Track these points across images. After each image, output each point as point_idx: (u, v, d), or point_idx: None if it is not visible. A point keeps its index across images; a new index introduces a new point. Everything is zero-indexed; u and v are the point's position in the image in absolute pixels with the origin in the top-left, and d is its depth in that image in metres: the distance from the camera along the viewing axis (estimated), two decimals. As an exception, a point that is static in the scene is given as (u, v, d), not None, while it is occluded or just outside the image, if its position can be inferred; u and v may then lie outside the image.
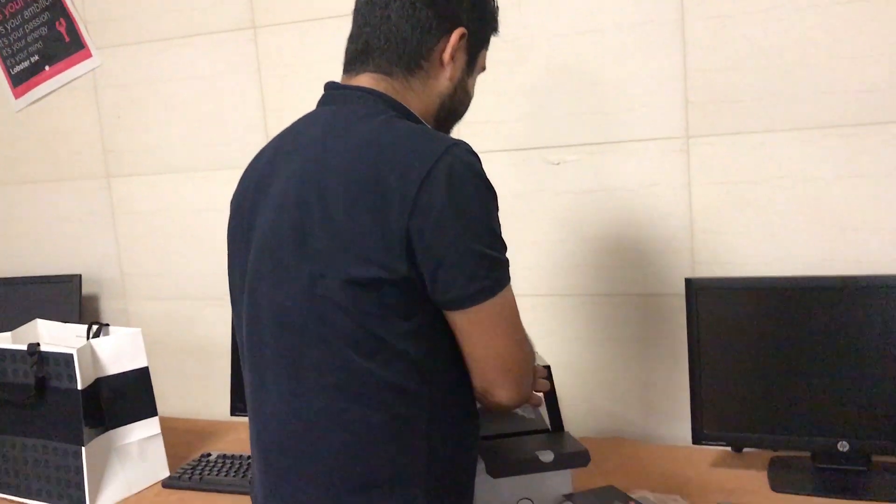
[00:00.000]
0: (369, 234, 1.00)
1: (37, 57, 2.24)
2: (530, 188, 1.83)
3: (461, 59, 1.19)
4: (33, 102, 2.28)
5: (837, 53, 1.58)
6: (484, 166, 1.06)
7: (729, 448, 1.64)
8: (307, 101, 1.99)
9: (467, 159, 1.03)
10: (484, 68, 1.28)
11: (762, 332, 1.55)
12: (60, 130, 2.26)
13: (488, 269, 1.04)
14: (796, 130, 1.63)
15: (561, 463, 1.40)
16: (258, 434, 1.15)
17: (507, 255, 1.09)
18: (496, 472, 1.36)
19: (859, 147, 1.59)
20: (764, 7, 1.61)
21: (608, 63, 1.73)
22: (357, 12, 1.19)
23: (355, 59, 1.18)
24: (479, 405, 1.19)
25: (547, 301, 1.86)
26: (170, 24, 2.09)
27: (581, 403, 1.87)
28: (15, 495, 1.74)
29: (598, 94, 1.75)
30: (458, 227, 1.01)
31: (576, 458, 1.41)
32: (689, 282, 1.59)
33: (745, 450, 1.65)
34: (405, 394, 1.05)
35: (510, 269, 1.08)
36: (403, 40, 1.14)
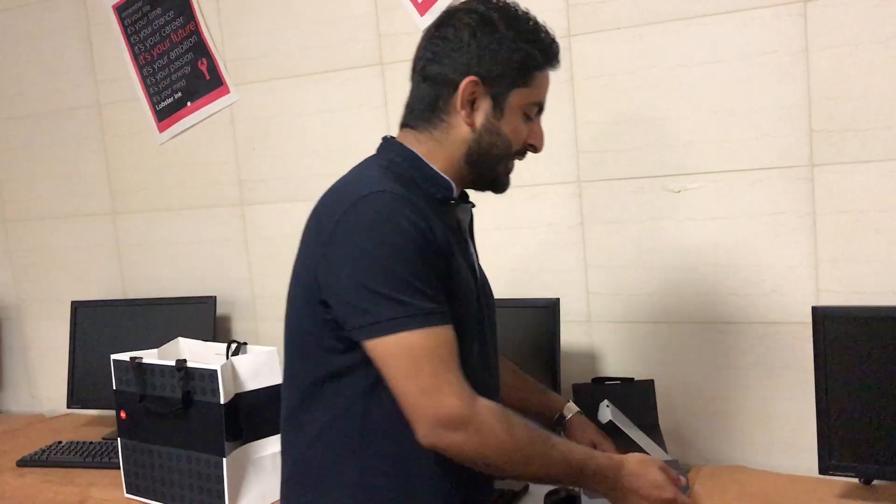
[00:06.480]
0: (305, 263, 1.24)
1: (180, 94, 2.41)
2: (650, 216, 1.86)
3: (484, 104, 1.26)
4: (175, 136, 2.45)
5: (971, 80, 1.56)
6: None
7: (857, 480, 1.62)
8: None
9: (378, 206, 1.16)
10: (540, 107, 1.32)
11: (892, 361, 1.52)
12: (200, 161, 2.43)
13: (383, 307, 1.13)
14: (927, 158, 1.61)
15: None
16: None
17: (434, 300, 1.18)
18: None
19: None
20: (888, 35, 1.61)
21: (730, 92, 1.75)
22: (410, 76, 1.34)
23: (402, 117, 1.34)
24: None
25: (667, 328, 1.87)
26: (302, 62, 2.22)
27: (702, 431, 1.87)
28: (161, 501, 1.86)
29: (720, 123, 1.77)
30: (356, 265, 1.14)
31: None
32: (815, 310, 1.58)
33: (875, 482, 1.62)
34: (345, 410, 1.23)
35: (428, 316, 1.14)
36: (423, 98, 1.29)
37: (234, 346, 1.91)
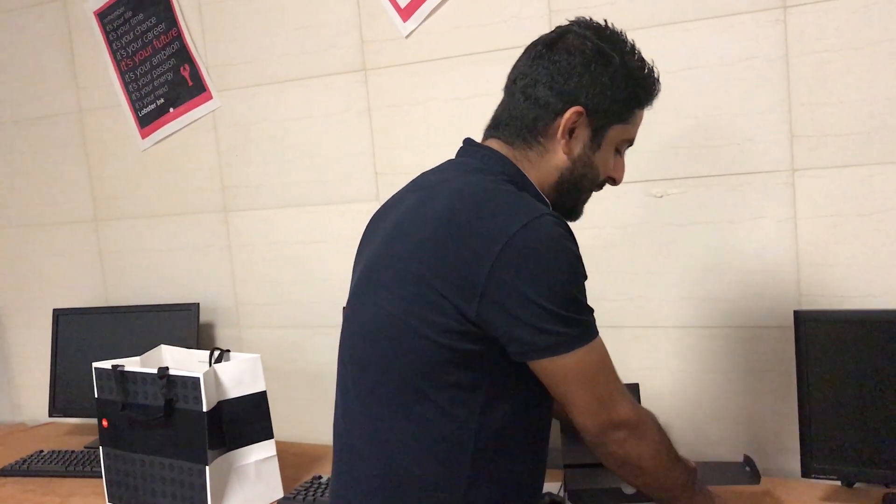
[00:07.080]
0: (450, 272, 1.13)
1: (162, 100, 2.40)
2: (633, 220, 1.86)
3: (583, 135, 1.25)
4: (158, 142, 2.43)
5: (948, 85, 1.58)
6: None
7: (839, 482, 1.63)
8: (414, 138, 2.10)
9: (549, 230, 1.14)
10: (631, 142, 1.34)
11: (872, 364, 1.53)
12: (182, 168, 2.41)
13: (564, 327, 1.13)
14: (906, 163, 1.62)
15: (643, 496, 1.40)
16: (337, 435, 1.30)
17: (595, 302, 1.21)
18: (577, 499, 1.38)
19: (973, 179, 1.58)
20: (867, 41, 1.63)
21: (711, 98, 1.76)
22: (505, 87, 1.31)
23: (490, 126, 1.31)
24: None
25: (650, 332, 1.88)
26: (285, 68, 2.22)
27: (686, 435, 1.87)
28: (143, 510, 1.85)
29: (702, 129, 1.78)
30: (537, 288, 1.11)
31: None
32: (797, 314, 1.59)
33: (857, 485, 1.63)
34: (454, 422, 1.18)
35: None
36: (522, 117, 1.26)
37: (216, 353, 1.90)
